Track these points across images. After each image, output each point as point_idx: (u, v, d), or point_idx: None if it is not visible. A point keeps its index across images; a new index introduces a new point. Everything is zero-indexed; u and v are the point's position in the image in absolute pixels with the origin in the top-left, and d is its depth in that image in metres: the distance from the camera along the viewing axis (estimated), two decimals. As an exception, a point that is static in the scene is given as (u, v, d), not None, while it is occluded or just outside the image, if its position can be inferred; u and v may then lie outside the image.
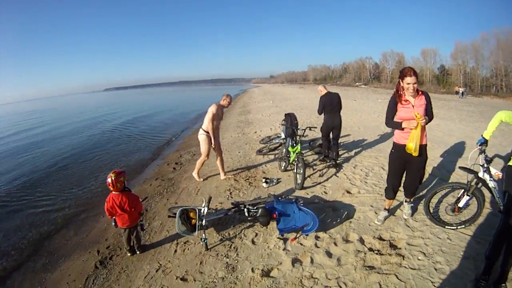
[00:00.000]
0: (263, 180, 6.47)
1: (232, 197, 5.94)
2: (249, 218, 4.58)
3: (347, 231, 4.36)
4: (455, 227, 4.19)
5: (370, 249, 3.89)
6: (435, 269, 3.43)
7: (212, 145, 6.48)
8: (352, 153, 8.46)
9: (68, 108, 63.58)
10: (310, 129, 7.31)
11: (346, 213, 4.86)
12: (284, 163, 7.12)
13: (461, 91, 38.41)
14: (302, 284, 3.43)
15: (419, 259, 3.62)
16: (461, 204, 4.14)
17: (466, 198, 4.09)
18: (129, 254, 4.49)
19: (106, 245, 5.01)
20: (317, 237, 4.28)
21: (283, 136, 8.79)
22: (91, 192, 8.21)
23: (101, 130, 20.81)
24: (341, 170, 6.99)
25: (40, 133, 22.56)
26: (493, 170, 3.93)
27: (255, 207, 4.61)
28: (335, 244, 4.09)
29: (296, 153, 6.32)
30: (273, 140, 9.46)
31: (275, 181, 6.51)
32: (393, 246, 3.95)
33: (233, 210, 4.76)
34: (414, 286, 3.22)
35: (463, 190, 4.13)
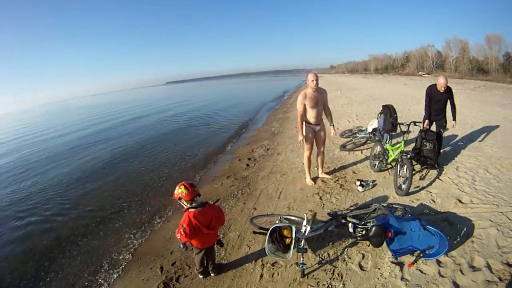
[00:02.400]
0: (357, 183, 5.27)
1: (324, 204, 4.82)
2: (358, 237, 3.50)
3: (471, 254, 3.25)
4: None
5: (499, 278, 2.95)
6: None
7: (300, 139, 5.28)
8: (448, 150, 6.94)
9: (136, 100, 60.60)
10: (415, 124, 5.62)
11: (465, 229, 3.71)
12: (379, 163, 5.85)
13: None
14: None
15: None
16: None
17: None
18: (201, 277, 3.50)
19: (171, 261, 4.03)
20: (438, 262, 3.19)
21: (369, 129, 7.72)
22: (154, 190, 7.06)
23: (162, 122, 19.60)
24: (443, 172, 5.61)
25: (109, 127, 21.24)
26: None
27: (362, 222, 3.55)
28: (462, 272, 3.03)
29: (400, 152, 5.09)
30: (357, 134, 8.21)
31: (371, 184, 5.30)
32: None
33: (333, 225, 3.66)
34: None
35: None
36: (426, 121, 5.67)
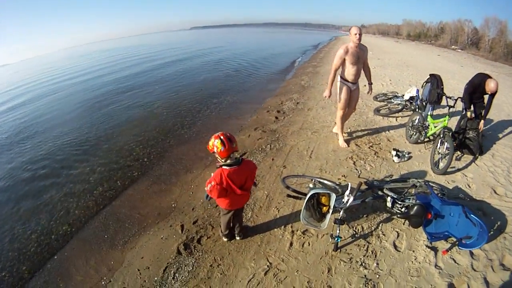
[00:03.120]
0: (393, 152, 4.93)
1: (358, 170, 4.52)
2: (397, 214, 3.27)
3: (503, 252, 3.02)
4: None
5: None
6: None
7: (325, 94, 4.92)
8: (484, 135, 6.32)
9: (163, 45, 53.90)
10: (462, 101, 5.14)
11: (498, 223, 3.45)
12: (416, 134, 5.45)
13: None
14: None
15: None
16: None
17: None
18: (225, 239, 3.19)
19: (193, 219, 3.68)
20: (471, 254, 2.98)
21: (406, 97, 7.16)
22: (176, 138, 6.63)
23: (191, 69, 18.19)
24: (479, 157, 5.26)
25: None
26: None
27: (402, 198, 3.30)
28: (492, 269, 2.84)
29: (443, 127, 4.69)
30: (392, 100, 7.63)
31: (406, 155, 4.96)
32: None
33: (370, 197, 3.39)
34: None
35: None
36: (470, 112, 5.12)
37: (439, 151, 4.60)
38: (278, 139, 5.84)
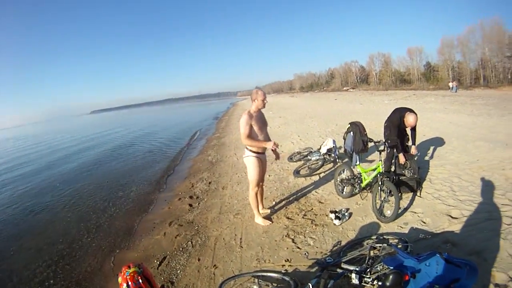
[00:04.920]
0: (331, 215, 4.99)
1: (300, 248, 4.34)
2: None
3: (491, 272, 3.37)
4: None
5: None
6: None
7: (269, 146, 4.62)
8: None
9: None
10: (389, 144, 5.57)
11: (471, 247, 3.82)
12: (349, 187, 5.76)
13: (455, 86, 42.23)
14: None
15: None
16: None
17: None
18: None
19: None
20: None
21: (323, 150, 7.75)
22: (88, 251, 5.99)
23: (82, 158, 18.42)
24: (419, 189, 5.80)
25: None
26: None
27: (367, 269, 3.14)
28: None
29: (378, 174, 5.03)
30: (309, 157, 8.11)
31: (346, 214, 5.07)
32: None
33: (332, 280, 3.11)
34: None
35: None
36: (401, 154, 5.71)
37: (382, 199, 4.92)
38: (198, 232, 5.60)
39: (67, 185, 11.50)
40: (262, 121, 4.78)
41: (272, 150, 4.64)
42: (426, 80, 64.31)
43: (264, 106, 4.71)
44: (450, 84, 45.34)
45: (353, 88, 79.96)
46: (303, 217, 5.24)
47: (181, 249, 5.06)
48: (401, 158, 5.60)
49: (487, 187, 5.59)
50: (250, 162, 4.85)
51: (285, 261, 4.04)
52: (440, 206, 5.09)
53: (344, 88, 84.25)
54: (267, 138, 4.85)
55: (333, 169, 7.41)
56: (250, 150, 4.80)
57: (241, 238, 4.92)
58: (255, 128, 4.66)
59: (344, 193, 5.83)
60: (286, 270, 3.76)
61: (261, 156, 4.89)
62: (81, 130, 50.78)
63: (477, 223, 4.42)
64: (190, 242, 5.20)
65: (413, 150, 5.86)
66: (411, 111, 5.68)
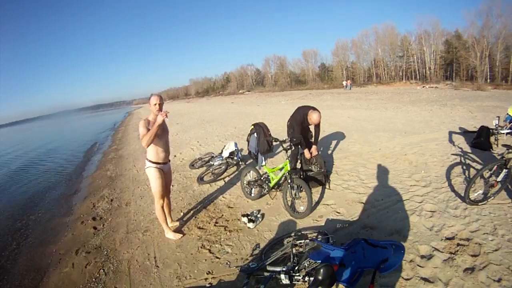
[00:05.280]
0: (244, 219, 4.89)
1: (220, 258, 4.06)
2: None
3: (414, 247, 3.85)
4: (485, 201, 4.79)
5: (451, 253, 3.74)
6: (509, 241, 3.83)
7: (159, 119, 4.24)
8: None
9: None
10: (293, 142, 5.58)
11: (389, 228, 4.24)
12: (257, 189, 5.74)
13: (349, 84, 48.11)
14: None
15: (491, 240, 3.90)
16: (499, 178, 4.68)
17: (504, 171, 4.64)
18: None
19: None
20: (396, 270, 3.47)
21: (225, 154, 7.77)
22: None
23: None
24: (327, 181, 6.10)
25: None
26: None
27: (295, 267, 3.12)
28: (420, 266, 3.54)
29: (286, 172, 5.12)
30: (211, 162, 7.96)
31: (259, 216, 5.02)
32: (464, 240, 3.99)
33: (261, 285, 2.98)
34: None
35: (498, 165, 4.67)
36: (306, 150, 5.92)
37: (293, 196, 4.99)
38: (108, 257, 4.90)
39: None
40: (161, 128, 4.40)
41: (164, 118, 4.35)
42: (321, 80, 69.90)
43: (159, 110, 4.33)
44: (344, 83, 51.24)
45: (248, 91, 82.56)
46: (215, 225, 5.05)
47: (94, 279, 4.38)
48: (306, 153, 5.78)
49: (393, 172, 6.10)
50: (151, 174, 4.50)
51: (207, 273, 3.79)
52: (351, 195, 5.38)
53: (240, 91, 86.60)
54: (167, 146, 4.61)
55: (237, 172, 7.41)
56: (150, 161, 4.46)
57: (155, 257, 4.49)
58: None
59: (252, 195, 5.80)
60: (210, 283, 3.53)
61: (163, 166, 4.57)
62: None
63: (390, 205, 4.78)
64: (102, 270, 4.55)
65: (313, 151, 5.99)
66: (314, 109, 5.85)
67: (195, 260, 4.14)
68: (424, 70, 54.76)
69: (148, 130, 4.19)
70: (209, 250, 4.28)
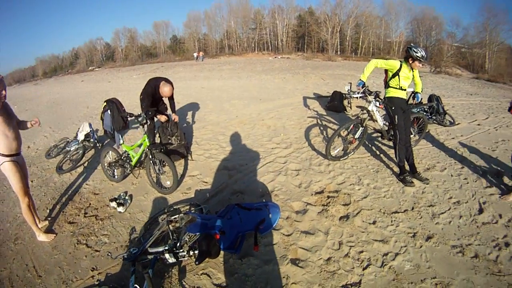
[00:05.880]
0: (112, 204, 4.66)
1: (100, 251, 3.82)
2: (195, 262, 3.08)
3: (287, 204, 4.27)
4: (346, 156, 5.68)
5: (323, 205, 4.20)
6: (375, 188, 4.68)
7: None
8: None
9: None
10: (145, 114, 5.28)
11: (260, 190, 4.68)
12: (120, 169, 5.52)
13: (201, 56, 48.32)
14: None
15: (358, 189, 4.61)
16: (357, 136, 5.48)
17: (361, 129, 5.42)
18: None
19: None
20: (276, 228, 3.79)
21: (80, 137, 7.14)
22: None
23: None
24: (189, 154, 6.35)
25: None
26: (377, 103, 5.47)
27: (176, 244, 3.16)
28: (297, 221, 3.94)
29: (146, 148, 5.03)
30: (67, 148, 7.18)
31: (127, 198, 4.86)
32: (333, 192, 4.51)
33: (150, 269, 2.96)
34: (385, 205, 4.24)
35: (354, 123, 5.42)
36: (161, 115, 5.84)
37: (157, 172, 5.01)
38: None
39: None
40: (6, 113, 3.76)
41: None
42: (172, 52, 68.73)
43: (4, 99, 3.65)
44: (195, 54, 51.35)
45: (99, 67, 76.35)
46: (85, 216, 4.65)
47: None
48: (162, 117, 5.72)
49: (253, 137, 6.45)
50: (7, 170, 3.83)
51: (92, 270, 3.51)
52: (214, 163, 5.61)
53: (90, 68, 79.42)
54: (17, 133, 3.94)
55: (96, 155, 6.94)
56: (3, 155, 3.77)
57: (34, 267, 3.84)
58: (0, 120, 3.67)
59: (116, 177, 5.54)
60: (98, 280, 3.29)
61: (17, 158, 3.94)
62: None
63: (255, 169, 5.15)
64: None
65: (174, 117, 5.98)
66: (166, 81, 5.67)
67: (75, 259, 3.79)
68: (276, 42, 58.51)
69: None
70: (86, 245, 3.96)
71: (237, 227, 3.39)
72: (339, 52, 53.29)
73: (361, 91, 5.36)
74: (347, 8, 53.73)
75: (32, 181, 6.06)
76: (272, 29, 59.57)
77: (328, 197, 4.41)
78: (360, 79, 5.19)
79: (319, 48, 56.09)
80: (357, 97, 7.19)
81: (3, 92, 3.63)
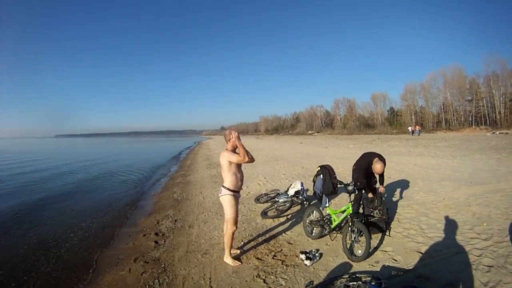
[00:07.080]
0: (302, 256, 4.94)
1: None
2: None
3: None
4: None
5: None
6: None
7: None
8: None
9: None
10: (357, 186, 5.72)
11: (447, 279, 4.06)
12: (318, 229, 5.81)
13: (417, 130, 46.38)
14: None
15: None
16: None
17: None
18: None
19: None
20: None
21: (290, 193, 7.89)
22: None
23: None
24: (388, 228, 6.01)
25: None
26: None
27: None
28: None
29: (348, 215, 5.20)
30: (277, 199, 8.12)
31: (317, 254, 5.04)
32: None
33: None
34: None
35: None
36: (370, 194, 6.16)
37: (352, 239, 5.02)
38: (165, 270, 5.23)
39: (31, 212, 10.51)
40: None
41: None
42: (389, 124, 68.54)
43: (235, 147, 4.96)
44: (410, 129, 49.40)
45: (318, 132, 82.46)
46: (273, 258, 5.14)
47: (147, 287, 4.73)
48: (370, 194, 5.85)
49: (455, 223, 5.82)
50: (227, 201, 4.88)
51: None
52: (409, 243, 5.23)
53: (309, 131, 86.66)
54: (243, 176, 5.08)
55: (300, 211, 7.44)
56: (228, 189, 4.86)
57: (210, 278, 4.69)
58: (234, 166, 4.91)
59: (313, 234, 5.85)
60: None
61: (237, 195, 4.98)
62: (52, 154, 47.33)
63: (447, 257, 4.58)
64: (157, 280, 4.86)
65: (381, 189, 6.06)
66: (380, 157, 5.91)
67: (248, 287, 4.26)
68: (494, 115, 51.24)
69: (230, 163, 4.82)
70: (264, 280, 4.38)
71: None
72: None
73: None
74: None
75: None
76: (489, 100, 52.17)
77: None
78: None
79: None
80: None
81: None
